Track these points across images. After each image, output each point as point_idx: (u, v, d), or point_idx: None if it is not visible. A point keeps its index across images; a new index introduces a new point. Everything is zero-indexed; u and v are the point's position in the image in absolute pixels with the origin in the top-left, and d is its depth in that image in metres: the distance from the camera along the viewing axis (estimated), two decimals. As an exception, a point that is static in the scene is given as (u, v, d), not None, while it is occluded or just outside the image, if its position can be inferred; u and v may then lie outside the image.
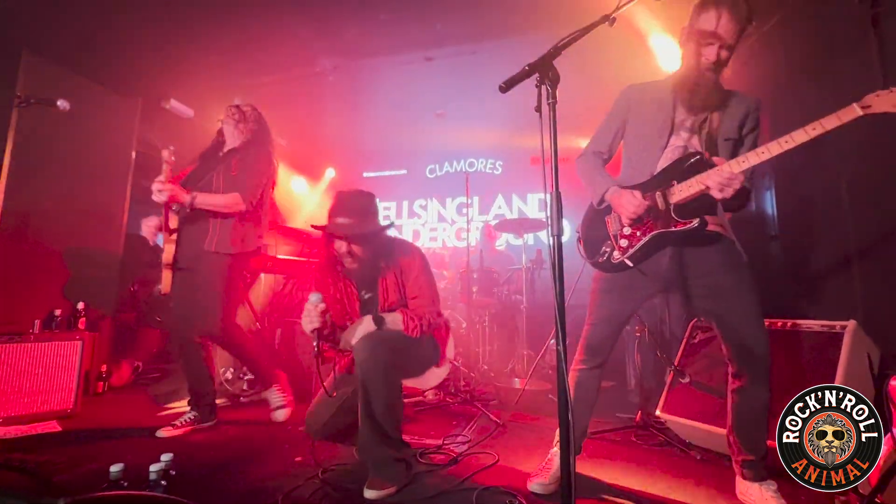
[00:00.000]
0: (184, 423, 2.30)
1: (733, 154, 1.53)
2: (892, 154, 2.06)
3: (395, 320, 1.88)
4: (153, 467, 1.39)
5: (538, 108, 1.08)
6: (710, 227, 1.52)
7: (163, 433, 2.21)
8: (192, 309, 2.30)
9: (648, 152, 1.61)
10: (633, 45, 3.28)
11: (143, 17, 3.11)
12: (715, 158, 1.52)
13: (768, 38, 2.95)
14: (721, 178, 1.39)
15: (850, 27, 2.37)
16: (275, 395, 2.56)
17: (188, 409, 2.37)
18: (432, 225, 6.10)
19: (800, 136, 1.33)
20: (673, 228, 1.52)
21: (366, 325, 1.88)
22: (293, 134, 5.37)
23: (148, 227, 2.55)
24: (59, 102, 2.20)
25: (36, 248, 3.19)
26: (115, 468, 1.38)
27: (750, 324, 1.51)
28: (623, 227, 1.60)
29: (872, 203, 2.20)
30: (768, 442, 1.57)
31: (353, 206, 1.91)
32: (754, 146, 1.54)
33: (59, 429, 2.34)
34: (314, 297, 1.78)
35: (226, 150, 2.52)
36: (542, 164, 1.04)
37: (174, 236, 2.32)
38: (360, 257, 1.89)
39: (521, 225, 4.08)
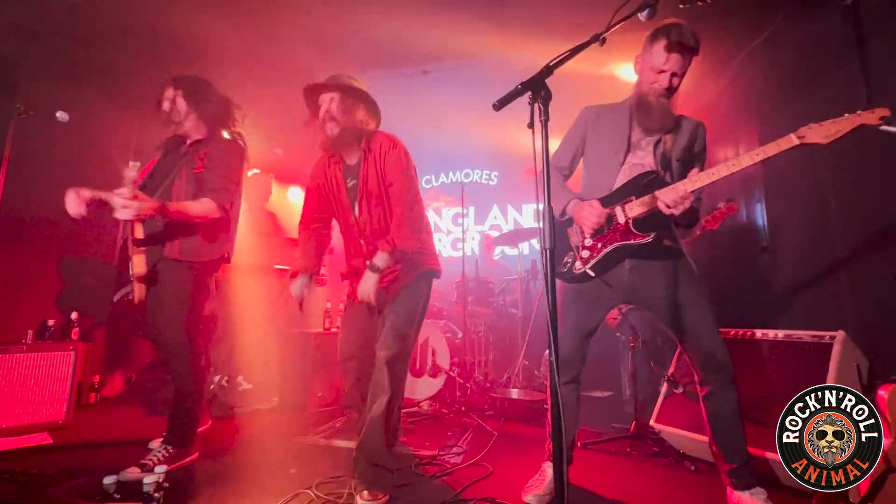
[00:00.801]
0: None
1: (684, 173, 1.65)
2: (878, 166, 2.12)
3: (384, 259, 1.77)
4: (147, 479, 1.39)
5: (531, 125, 1.11)
6: (666, 242, 1.64)
7: (155, 445, 2.02)
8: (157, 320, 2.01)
9: (607, 169, 1.71)
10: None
11: (140, 28, 3.14)
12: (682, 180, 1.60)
13: (756, 55, 3.02)
14: (674, 196, 1.50)
15: (836, 45, 2.44)
16: (160, 453, 1.92)
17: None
18: (428, 235, 6.12)
19: (745, 160, 1.47)
20: (632, 241, 1.61)
21: (371, 280, 1.77)
22: (291, 144, 5.39)
23: (76, 198, 2.00)
24: (58, 114, 2.22)
25: (30, 258, 3.18)
26: (108, 480, 1.38)
27: (709, 333, 1.60)
28: (584, 238, 1.68)
29: (860, 214, 2.25)
30: (750, 449, 1.60)
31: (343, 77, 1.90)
32: (703, 166, 1.67)
33: (51, 441, 2.32)
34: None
35: (190, 140, 2.17)
36: (536, 180, 1.07)
37: (142, 247, 1.93)
38: (341, 121, 1.81)
39: (518, 236, 4.12)
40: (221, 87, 4.04)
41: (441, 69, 3.69)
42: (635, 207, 1.61)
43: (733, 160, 1.48)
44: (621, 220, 1.62)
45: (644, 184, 1.61)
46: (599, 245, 1.66)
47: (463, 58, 3.53)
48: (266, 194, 4.08)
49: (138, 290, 1.88)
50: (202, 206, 1.97)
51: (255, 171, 4.07)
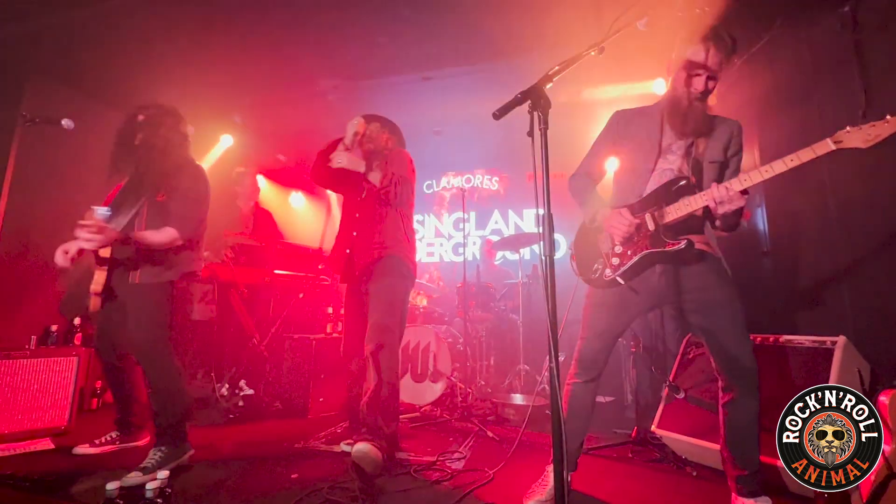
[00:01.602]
0: (105, 441, 2.24)
1: (720, 176, 1.61)
2: (878, 172, 2.12)
3: (377, 176, 2.19)
4: (149, 485, 1.40)
5: (530, 134, 1.12)
6: (698, 246, 1.59)
7: (79, 450, 2.18)
8: (119, 336, 2.15)
9: (638, 175, 1.68)
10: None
11: (145, 37, 3.18)
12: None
13: (755, 61, 3.04)
14: (722, 195, 1.46)
15: (834, 51, 2.46)
16: (156, 456, 2.00)
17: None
18: (429, 240, 6.14)
19: (778, 167, 1.43)
20: (663, 249, 1.58)
21: (356, 162, 2.21)
22: (293, 151, 5.44)
23: (64, 255, 2.07)
24: (63, 122, 2.24)
25: (34, 265, 3.20)
26: (111, 486, 1.38)
27: (738, 338, 1.56)
28: (614, 245, 1.66)
29: (861, 219, 2.25)
30: (761, 458, 1.59)
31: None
32: (738, 168, 1.63)
33: (53, 446, 2.32)
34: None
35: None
36: (535, 187, 1.08)
37: (105, 266, 2.11)
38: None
39: (519, 241, 4.12)
40: (224, 94, 4.10)
41: (442, 76, 3.72)
42: (665, 214, 1.58)
43: (767, 166, 1.44)
44: (651, 227, 1.59)
45: (674, 190, 1.57)
46: (629, 252, 1.62)
47: (464, 65, 3.56)
48: (254, 191, 3.94)
49: (93, 302, 2.11)
50: (164, 236, 2.05)
51: (240, 169, 3.99)
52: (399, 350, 2.12)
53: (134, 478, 1.82)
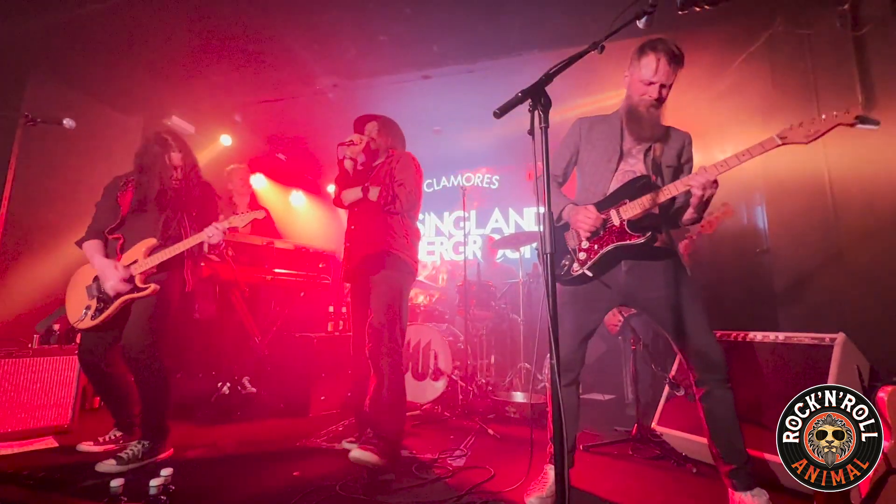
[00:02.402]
0: (108, 439, 2.27)
1: (674, 179, 1.72)
2: (877, 169, 2.13)
3: (374, 192, 2.25)
4: (153, 482, 1.41)
5: (531, 132, 1.13)
6: (658, 243, 1.69)
7: (83, 448, 2.20)
8: (113, 342, 2.21)
9: (601, 175, 1.78)
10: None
11: (145, 37, 3.18)
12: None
13: (755, 59, 3.05)
14: (704, 180, 1.56)
15: (833, 48, 2.47)
16: (137, 447, 2.06)
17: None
18: (430, 238, 6.15)
19: (732, 161, 1.56)
20: (627, 241, 1.67)
21: (356, 191, 2.30)
22: (293, 150, 5.44)
23: (120, 277, 2.12)
24: (65, 121, 2.25)
25: (36, 263, 3.21)
26: (114, 483, 1.40)
27: (703, 332, 1.64)
28: (581, 241, 1.73)
29: (860, 217, 2.26)
30: (751, 451, 1.60)
31: None
32: (689, 174, 1.75)
33: (56, 444, 2.33)
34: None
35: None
36: (536, 186, 1.09)
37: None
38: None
39: (519, 239, 4.13)
40: (224, 94, 4.10)
41: (442, 75, 3.72)
42: (630, 209, 1.67)
43: (721, 161, 1.57)
44: (616, 221, 1.69)
45: (637, 187, 1.68)
46: (596, 247, 1.71)
47: (463, 63, 3.56)
48: (245, 187, 3.91)
49: (116, 306, 2.13)
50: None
51: (231, 166, 3.98)
52: (401, 348, 2.12)
53: (108, 465, 1.91)
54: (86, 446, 2.21)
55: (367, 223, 2.29)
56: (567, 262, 1.76)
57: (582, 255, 1.73)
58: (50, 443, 2.35)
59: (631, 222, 1.68)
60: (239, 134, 4.82)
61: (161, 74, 3.64)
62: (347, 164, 2.37)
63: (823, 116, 1.48)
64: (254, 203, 3.94)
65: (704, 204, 1.62)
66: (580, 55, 1.27)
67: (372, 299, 2.16)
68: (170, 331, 2.27)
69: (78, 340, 2.27)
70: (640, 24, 1.40)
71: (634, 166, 1.75)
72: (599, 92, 3.94)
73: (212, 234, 2.14)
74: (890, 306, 2.04)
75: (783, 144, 1.52)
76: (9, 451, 2.20)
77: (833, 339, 1.91)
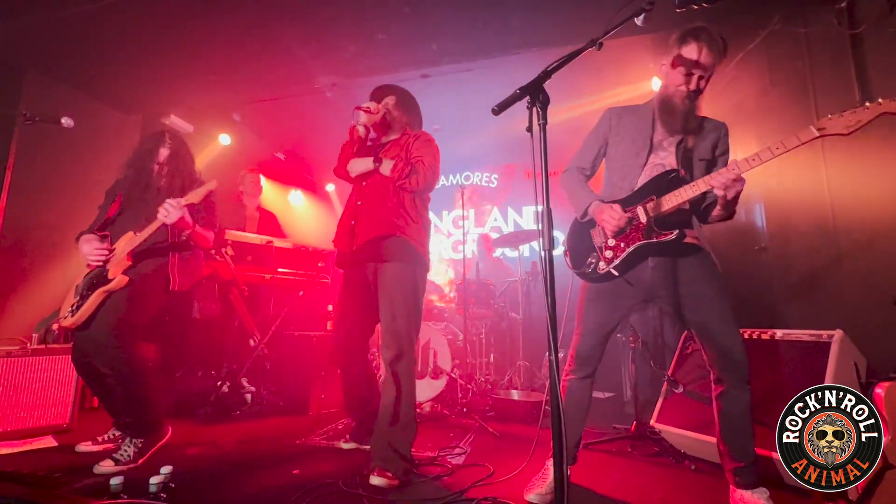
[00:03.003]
0: (107, 438, 2.25)
1: (708, 173, 1.63)
2: (874, 166, 2.14)
3: (388, 164, 2.04)
4: (153, 479, 1.41)
5: (529, 129, 1.13)
6: (688, 240, 1.63)
7: (82, 448, 2.19)
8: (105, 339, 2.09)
9: (629, 169, 1.72)
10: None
11: (143, 35, 3.17)
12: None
13: (752, 57, 3.05)
14: (726, 179, 1.49)
15: (831, 46, 2.47)
16: (131, 447, 2.02)
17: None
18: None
19: (765, 155, 1.46)
20: (655, 239, 1.62)
21: (366, 161, 2.09)
22: (292, 149, 5.44)
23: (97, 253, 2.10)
24: (63, 120, 2.25)
25: (35, 262, 3.21)
26: (115, 481, 1.40)
27: (728, 330, 1.60)
28: (607, 238, 1.69)
29: (857, 214, 2.27)
30: (757, 450, 1.61)
31: None
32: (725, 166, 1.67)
33: (56, 444, 2.33)
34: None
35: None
36: (535, 183, 1.09)
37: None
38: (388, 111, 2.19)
39: (517, 237, 4.13)
40: (223, 93, 4.09)
41: (440, 73, 3.72)
42: (658, 205, 1.61)
43: (753, 155, 1.48)
44: (643, 219, 1.63)
45: (666, 183, 1.62)
46: (623, 244, 1.66)
47: (462, 62, 3.56)
48: (256, 192, 4.02)
49: (94, 300, 2.05)
50: (210, 236, 2.29)
51: (245, 171, 4.07)
52: (416, 354, 2.02)
53: (106, 466, 1.88)
54: (84, 447, 2.20)
55: (377, 201, 2.04)
56: (593, 261, 1.72)
57: (608, 254, 1.67)
58: (49, 442, 2.35)
59: (658, 219, 1.62)
60: (238, 133, 4.82)
61: (159, 73, 3.63)
62: (360, 130, 2.12)
63: (868, 104, 1.36)
64: (261, 209, 4.04)
65: (732, 202, 1.56)
66: (578, 52, 1.27)
67: (383, 293, 1.95)
68: (152, 328, 2.25)
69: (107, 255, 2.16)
70: (639, 21, 1.40)
71: (665, 159, 1.69)
72: (597, 92, 3.96)
73: (167, 212, 2.00)
74: (888, 303, 2.05)
75: (822, 136, 1.40)
76: (8, 451, 2.19)
77: (831, 336, 1.92)
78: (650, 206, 1.62)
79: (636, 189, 1.68)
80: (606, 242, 1.69)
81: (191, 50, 3.37)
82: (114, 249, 2.14)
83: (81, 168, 3.53)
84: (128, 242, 2.12)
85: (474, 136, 5.05)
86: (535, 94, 1.14)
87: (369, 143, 2.22)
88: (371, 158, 2.07)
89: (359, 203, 2.09)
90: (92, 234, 2.21)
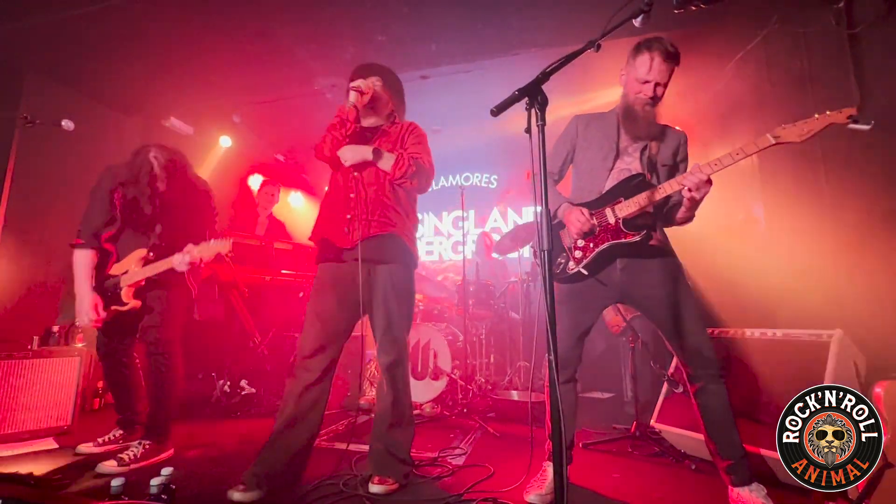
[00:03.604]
0: (108, 440, 2.27)
1: (670, 178, 1.71)
2: (871, 166, 2.14)
3: (388, 159, 1.87)
4: (154, 481, 1.41)
5: (528, 130, 1.14)
6: (653, 242, 1.71)
7: (83, 449, 2.20)
8: (128, 338, 2.29)
9: (597, 173, 1.79)
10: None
11: (143, 37, 3.18)
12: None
13: (751, 57, 3.06)
14: (697, 180, 1.56)
15: (829, 46, 2.48)
16: (138, 448, 2.06)
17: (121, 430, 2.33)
18: (428, 238, 6.15)
19: (726, 160, 1.55)
20: (622, 240, 1.68)
21: (363, 150, 1.86)
22: (291, 150, 5.44)
23: (92, 317, 2.16)
24: (63, 122, 2.26)
25: (35, 265, 3.21)
26: (115, 482, 1.40)
27: (697, 329, 1.66)
28: (576, 240, 1.75)
29: (856, 213, 2.27)
30: (748, 447, 1.62)
31: None
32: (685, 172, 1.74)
33: (56, 445, 2.33)
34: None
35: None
36: (534, 184, 1.10)
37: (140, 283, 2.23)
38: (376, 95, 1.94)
39: (517, 235, 4.13)
40: (222, 94, 4.10)
41: (439, 74, 3.73)
42: (625, 207, 1.68)
43: (715, 160, 1.57)
44: (611, 220, 1.70)
45: (632, 186, 1.70)
46: (591, 245, 1.73)
47: (461, 63, 3.57)
48: (271, 202, 4.22)
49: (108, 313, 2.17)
50: (213, 250, 2.21)
51: (267, 184, 4.23)
52: (417, 356, 2.00)
53: (109, 466, 1.91)
54: (85, 448, 2.21)
55: (375, 195, 1.89)
56: (563, 261, 1.78)
57: (577, 254, 1.74)
58: (50, 444, 2.35)
59: (626, 221, 1.69)
60: (238, 135, 4.83)
61: (159, 75, 3.64)
62: (350, 111, 1.89)
63: (816, 115, 1.49)
64: (272, 217, 4.22)
65: (697, 203, 1.63)
66: (577, 54, 1.28)
67: (380, 296, 1.84)
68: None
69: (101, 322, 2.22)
70: (637, 22, 1.41)
71: (630, 164, 1.76)
72: (592, 90, 3.95)
73: (179, 262, 2.09)
74: (886, 302, 2.06)
75: (777, 144, 1.52)
76: (9, 452, 2.20)
77: (830, 336, 1.91)
78: (618, 207, 1.69)
79: (604, 192, 1.75)
80: (575, 243, 1.75)
81: (191, 52, 3.38)
82: (125, 273, 2.20)
83: (82, 170, 3.53)
84: (138, 262, 2.18)
85: (474, 137, 5.06)
86: (534, 95, 1.15)
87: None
88: (370, 148, 1.87)
89: (352, 195, 1.89)
90: (93, 248, 2.22)
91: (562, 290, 1.79)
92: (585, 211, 1.71)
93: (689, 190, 1.57)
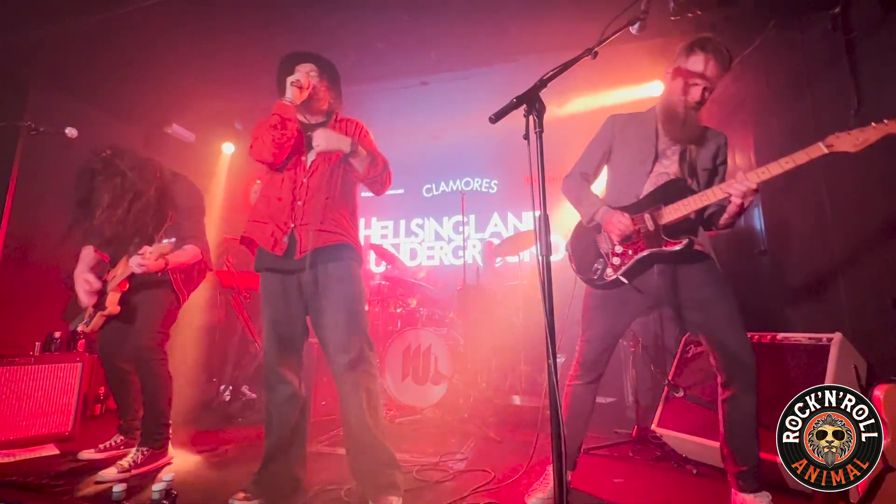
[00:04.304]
0: (110, 446, 2.27)
1: (709, 182, 1.67)
2: (872, 169, 2.15)
3: (363, 158, 1.73)
4: (155, 486, 1.42)
5: (526, 137, 1.15)
6: (696, 247, 1.65)
7: (84, 455, 2.20)
8: (123, 344, 2.24)
9: (634, 176, 1.72)
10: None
11: (146, 45, 3.21)
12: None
13: (748, 63, 3.07)
14: (745, 188, 1.49)
15: (826, 51, 2.49)
16: (138, 455, 2.06)
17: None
18: (429, 243, 6.16)
19: (774, 168, 1.47)
20: (664, 248, 1.62)
21: (341, 140, 1.69)
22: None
23: (86, 289, 2.22)
24: (67, 130, 2.28)
25: (38, 272, 3.23)
26: (117, 488, 1.40)
27: (736, 334, 1.60)
28: (614, 245, 1.68)
29: (856, 217, 2.28)
30: (760, 454, 1.61)
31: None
32: (724, 177, 1.71)
33: (58, 451, 2.34)
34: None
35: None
36: (532, 189, 1.11)
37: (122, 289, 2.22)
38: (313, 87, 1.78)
39: (518, 241, 4.14)
40: (225, 101, 4.13)
41: (439, 80, 3.76)
42: (666, 214, 1.61)
43: (763, 168, 1.49)
44: (651, 226, 1.63)
45: (673, 191, 1.63)
46: (630, 252, 1.65)
47: (461, 70, 3.60)
48: None
49: (97, 321, 2.20)
50: (190, 254, 2.25)
51: (258, 182, 4.17)
52: (373, 353, 1.77)
53: (110, 474, 1.89)
54: (87, 454, 2.21)
55: (325, 199, 1.72)
56: (600, 267, 1.71)
57: (616, 260, 1.67)
58: (51, 450, 2.36)
59: (667, 227, 1.62)
60: (240, 141, 4.85)
61: (161, 83, 3.67)
62: (290, 109, 1.71)
63: (874, 124, 1.41)
64: None
65: (743, 210, 1.57)
66: (574, 61, 1.29)
67: (331, 296, 1.69)
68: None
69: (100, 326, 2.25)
70: (633, 30, 1.42)
71: (669, 168, 1.69)
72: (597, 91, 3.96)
73: (133, 264, 2.03)
74: (886, 305, 2.06)
75: (830, 153, 1.43)
76: (11, 459, 2.20)
77: (830, 339, 1.92)
78: (658, 213, 1.62)
79: (642, 196, 1.68)
80: (613, 249, 1.68)
81: (192, 60, 3.41)
82: (111, 277, 2.25)
83: (84, 177, 3.56)
84: (124, 268, 2.19)
85: (474, 143, 5.08)
86: (532, 102, 1.16)
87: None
88: (350, 140, 1.68)
89: (300, 203, 1.72)
90: (94, 245, 2.29)
91: (595, 295, 1.75)
92: (626, 215, 1.64)
93: (737, 198, 1.51)
